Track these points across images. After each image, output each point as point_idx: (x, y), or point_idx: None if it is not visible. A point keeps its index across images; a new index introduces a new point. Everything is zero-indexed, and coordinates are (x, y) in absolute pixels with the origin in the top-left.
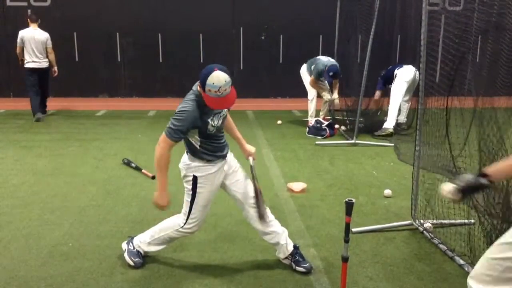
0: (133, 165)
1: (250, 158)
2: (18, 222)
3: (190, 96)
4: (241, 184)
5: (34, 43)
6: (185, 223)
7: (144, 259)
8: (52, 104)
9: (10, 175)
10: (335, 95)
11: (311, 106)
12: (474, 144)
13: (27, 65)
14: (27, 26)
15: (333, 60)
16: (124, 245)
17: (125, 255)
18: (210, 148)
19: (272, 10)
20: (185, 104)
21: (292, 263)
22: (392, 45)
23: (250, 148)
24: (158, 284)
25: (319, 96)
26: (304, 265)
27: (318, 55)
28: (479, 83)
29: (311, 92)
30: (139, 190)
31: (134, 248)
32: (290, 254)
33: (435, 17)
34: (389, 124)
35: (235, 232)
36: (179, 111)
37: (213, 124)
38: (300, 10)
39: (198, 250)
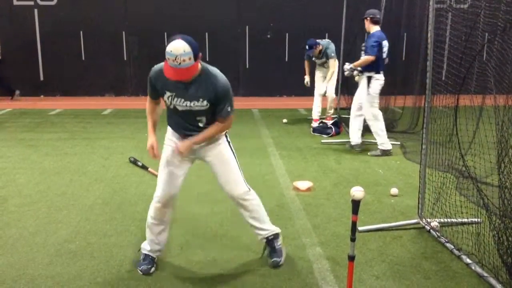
0: (139, 163)
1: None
2: (25, 221)
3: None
4: (219, 178)
5: None
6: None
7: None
8: (59, 103)
9: (17, 174)
10: (323, 88)
11: (315, 104)
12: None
13: None
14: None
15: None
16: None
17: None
18: (169, 119)
19: (278, 8)
20: (155, 66)
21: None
22: (398, 43)
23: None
24: (165, 281)
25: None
26: (271, 260)
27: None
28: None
29: (317, 90)
30: (145, 188)
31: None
32: (266, 243)
33: (442, 15)
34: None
35: (241, 230)
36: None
37: (168, 100)
38: (305, 8)
39: (204, 248)
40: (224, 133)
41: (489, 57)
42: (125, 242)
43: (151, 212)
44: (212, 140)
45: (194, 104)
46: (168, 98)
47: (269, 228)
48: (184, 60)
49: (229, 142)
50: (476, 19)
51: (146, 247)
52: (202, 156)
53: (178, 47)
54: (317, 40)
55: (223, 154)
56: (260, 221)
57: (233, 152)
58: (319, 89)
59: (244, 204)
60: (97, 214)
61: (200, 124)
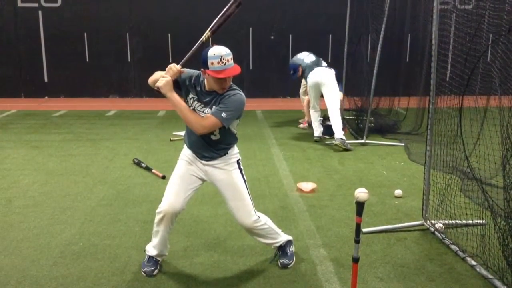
0: (143, 165)
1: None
2: (30, 222)
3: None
4: (229, 203)
5: None
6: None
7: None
8: (63, 104)
9: (22, 175)
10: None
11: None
12: (486, 143)
13: None
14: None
15: (310, 56)
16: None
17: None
18: (186, 137)
19: (281, 10)
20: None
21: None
22: (402, 44)
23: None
24: (169, 283)
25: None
26: (281, 260)
27: (328, 54)
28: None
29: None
30: (149, 189)
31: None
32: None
33: (446, 15)
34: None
35: (245, 233)
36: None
37: (189, 101)
38: (309, 9)
39: (208, 250)
40: (237, 160)
41: (493, 58)
42: (129, 244)
43: (155, 219)
44: (224, 165)
45: (207, 112)
46: (190, 99)
47: (282, 239)
48: (228, 60)
49: (241, 170)
50: (480, 20)
51: (150, 249)
52: (213, 180)
53: (220, 49)
54: (297, 58)
55: (235, 182)
56: (272, 238)
57: (244, 181)
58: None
59: (254, 232)
60: (101, 215)
61: (213, 137)
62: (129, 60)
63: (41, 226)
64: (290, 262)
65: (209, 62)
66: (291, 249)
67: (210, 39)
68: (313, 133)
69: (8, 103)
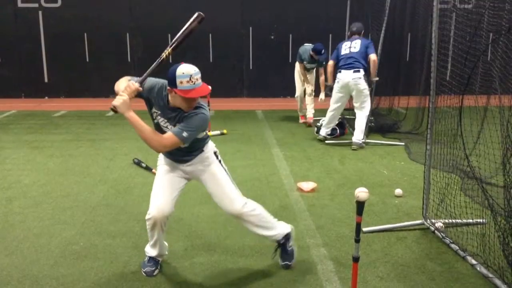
0: (143, 165)
1: None
2: (30, 222)
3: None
4: (214, 198)
5: None
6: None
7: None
8: (63, 104)
9: (22, 175)
10: (322, 95)
11: (298, 103)
12: (486, 142)
13: None
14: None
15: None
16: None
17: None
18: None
19: (281, 9)
20: (159, 81)
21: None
22: (403, 43)
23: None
24: (169, 283)
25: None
26: (282, 263)
27: (328, 54)
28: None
29: (297, 90)
30: (149, 189)
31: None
32: (276, 245)
33: (446, 15)
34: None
35: (245, 232)
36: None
37: (153, 114)
38: (309, 9)
39: (208, 249)
40: (213, 152)
41: (493, 57)
42: (129, 243)
43: (146, 225)
44: (202, 161)
45: (170, 128)
46: (153, 113)
47: (279, 231)
48: (197, 79)
49: (220, 161)
50: (480, 19)
51: (149, 251)
52: (196, 177)
53: (189, 68)
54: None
55: (215, 174)
56: (267, 228)
57: (225, 170)
58: (297, 91)
59: (244, 219)
60: (101, 215)
61: (182, 146)
62: (129, 60)
63: (42, 226)
64: (291, 262)
65: (177, 81)
66: (290, 245)
67: (170, 56)
68: (313, 131)
69: (8, 104)
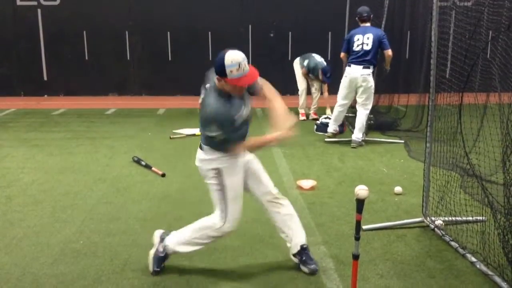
0: (143, 163)
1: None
2: (30, 220)
3: (210, 97)
4: (262, 176)
5: None
6: (224, 222)
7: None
8: (63, 102)
9: (22, 174)
10: (326, 94)
11: (301, 99)
12: (486, 140)
13: None
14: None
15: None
16: (156, 239)
17: (151, 255)
18: (226, 144)
19: (281, 7)
20: (213, 105)
21: (299, 262)
22: (402, 41)
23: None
24: (169, 283)
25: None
26: (309, 266)
27: (327, 52)
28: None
29: (301, 86)
30: (149, 187)
31: (163, 251)
32: (297, 253)
33: (445, 12)
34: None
35: (246, 230)
36: (215, 114)
37: (243, 117)
38: (309, 7)
39: (207, 248)
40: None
41: (493, 54)
42: (129, 241)
43: (214, 233)
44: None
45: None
46: (236, 119)
47: (304, 234)
48: (245, 65)
49: None
50: (480, 16)
51: (179, 248)
52: (246, 168)
53: (236, 55)
54: (312, 55)
55: (257, 158)
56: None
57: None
58: (300, 87)
59: (284, 203)
60: (101, 213)
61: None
62: (128, 58)
63: (41, 224)
64: (312, 266)
65: (227, 70)
66: (306, 250)
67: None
68: (312, 129)
69: (8, 102)
